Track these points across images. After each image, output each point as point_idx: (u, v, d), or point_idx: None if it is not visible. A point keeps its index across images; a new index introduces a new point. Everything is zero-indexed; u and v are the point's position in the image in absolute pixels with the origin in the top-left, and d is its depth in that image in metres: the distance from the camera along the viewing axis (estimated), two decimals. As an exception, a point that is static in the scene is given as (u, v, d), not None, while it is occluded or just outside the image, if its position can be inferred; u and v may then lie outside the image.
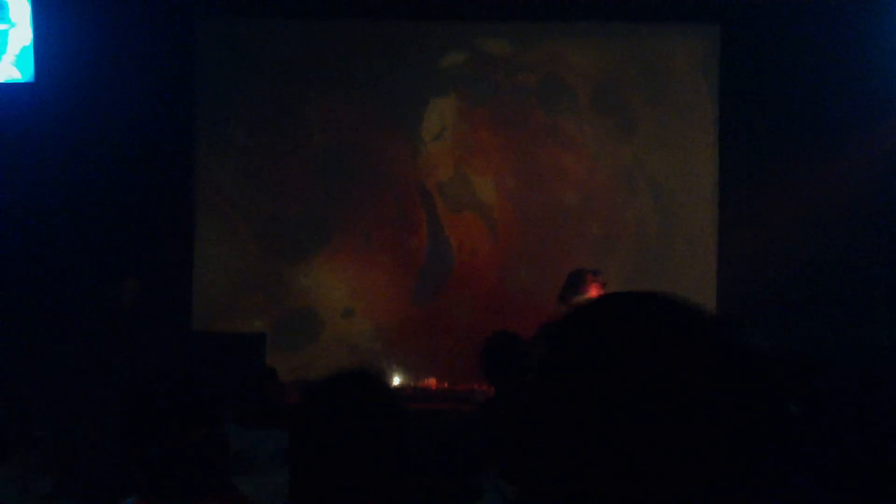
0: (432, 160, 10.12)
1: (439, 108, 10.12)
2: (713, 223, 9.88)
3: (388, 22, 10.10)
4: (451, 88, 10.12)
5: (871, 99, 9.48)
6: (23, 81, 9.46)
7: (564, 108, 10.09)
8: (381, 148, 10.09)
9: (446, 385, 8.43)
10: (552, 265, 9.73)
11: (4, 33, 9.41)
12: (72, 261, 9.66)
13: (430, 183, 10.11)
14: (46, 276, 9.59)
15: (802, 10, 9.59)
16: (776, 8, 9.64)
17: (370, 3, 10.02)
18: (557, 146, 10.05)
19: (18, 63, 9.45)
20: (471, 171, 10.09)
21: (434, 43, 10.15)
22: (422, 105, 10.12)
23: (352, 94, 10.11)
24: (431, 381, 8.50)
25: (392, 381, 8.70)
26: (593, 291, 8.46)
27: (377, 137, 10.09)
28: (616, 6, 9.98)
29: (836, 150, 9.46)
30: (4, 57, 9.40)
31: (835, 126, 9.53)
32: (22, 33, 9.45)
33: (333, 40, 10.13)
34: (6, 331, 9.03)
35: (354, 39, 10.11)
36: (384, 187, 10.10)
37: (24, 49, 9.45)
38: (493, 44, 10.13)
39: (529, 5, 10.01)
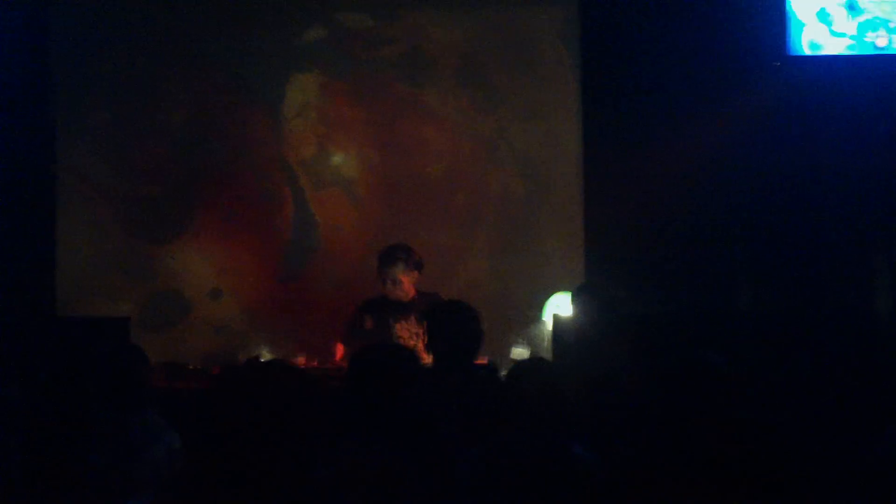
0: (295, 137, 10.04)
1: (300, 84, 10.05)
2: (579, 192, 9.92)
3: (248, -3, 10.02)
4: (313, 64, 10.05)
5: (734, 61, 9.56)
6: None
7: (427, 81, 10.07)
8: (242, 125, 10.01)
9: (315, 363, 8.36)
10: (418, 239, 9.70)
11: None
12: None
13: (293, 160, 10.03)
14: None
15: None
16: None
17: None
18: (421, 119, 10.03)
19: None
20: (334, 146, 10.04)
21: (294, 18, 10.06)
22: (283, 81, 10.04)
23: (211, 71, 10.01)
24: (300, 360, 8.41)
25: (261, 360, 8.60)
26: (399, 269, 8.36)
27: (238, 114, 10.01)
28: (475, -22, 9.99)
29: (701, 115, 9.53)
30: None
31: (698, 90, 9.60)
32: None
33: (191, 16, 10.02)
34: None
35: (212, 14, 10.01)
36: (248, 165, 10.02)
37: None
38: (354, 18, 10.08)
39: (389, -23, 9.99)
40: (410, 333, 8.24)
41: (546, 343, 7.96)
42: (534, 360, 6.11)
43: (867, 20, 9.39)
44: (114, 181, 10.00)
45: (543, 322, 8.30)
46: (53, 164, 9.97)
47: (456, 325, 6.19)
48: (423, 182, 10.00)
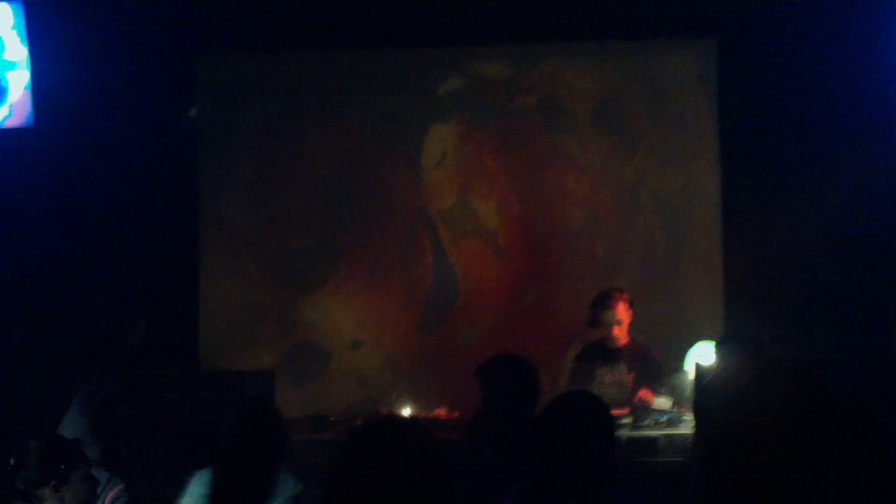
0: (434, 187, 10.11)
1: (439, 135, 10.11)
2: (719, 238, 9.85)
3: (385, 50, 10.11)
4: (451, 114, 10.12)
5: (873, 107, 9.42)
6: (22, 126, 9.45)
7: (565, 129, 10.07)
8: (382, 176, 10.10)
9: (457, 415, 8.36)
10: (559, 288, 9.74)
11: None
12: (79, 302, 9.66)
13: (433, 210, 10.10)
14: (54, 319, 9.59)
15: (797, 20, 9.55)
16: (770, 19, 9.60)
17: (367, 32, 10.02)
18: (560, 167, 10.04)
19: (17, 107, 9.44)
20: (473, 196, 10.08)
21: (432, 69, 10.16)
22: (422, 132, 10.12)
23: (352, 123, 10.11)
24: (442, 411, 8.45)
25: (403, 411, 8.63)
26: (621, 309, 8.47)
27: (379, 166, 10.10)
28: (611, 25, 9.95)
29: (840, 160, 9.39)
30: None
31: (839, 135, 9.48)
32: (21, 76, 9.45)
33: (331, 71, 10.16)
34: (14, 376, 9.03)
35: (352, 69, 10.13)
36: (387, 216, 10.11)
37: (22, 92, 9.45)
38: (491, 67, 10.13)
39: (526, 28, 9.99)
40: (613, 379, 8.30)
41: (688, 393, 7.89)
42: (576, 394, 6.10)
43: None
44: (257, 233, 10.15)
45: (685, 371, 8.22)
46: (197, 215, 10.12)
47: (507, 377, 6.23)
48: (563, 230, 10.00)
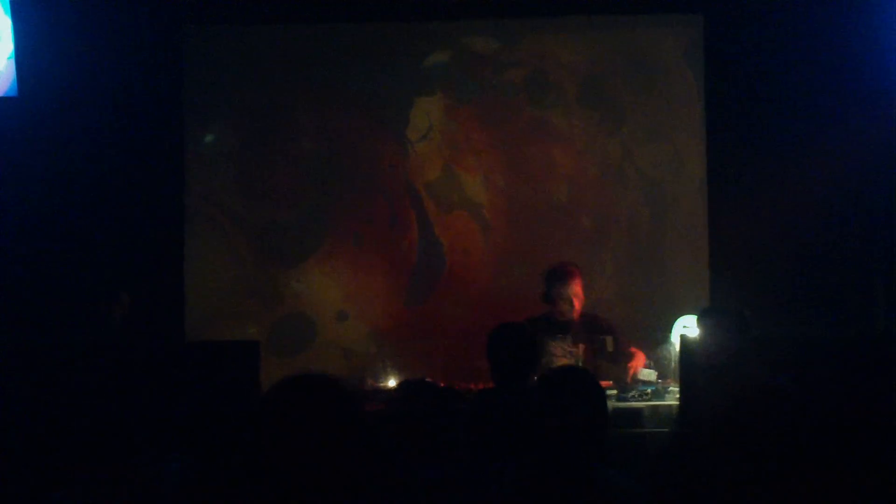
0: (420, 160, 10.10)
1: (425, 108, 10.09)
2: (703, 213, 9.86)
3: (373, 24, 10.08)
4: (437, 87, 10.10)
5: (858, 84, 9.45)
6: (5, 96, 9.42)
7: (552, 103, 10.06)
8: (369, 150, 10.08)
9: (443, 385, 8.35)
10: (544, 261, 9.66)
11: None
12: (63, 275, 9.62)
13: (418, 183, 10.09)
14: (37, 291, 9.56)
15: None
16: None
17: (353, 5, 9.99)
18: (546, 141, 10.03)
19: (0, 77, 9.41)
20: (460, 169, 10.08)
21: (419, 43, 10.13)
22: (408, 105, 10.09)
23: (338, 97, 10.09)
24: (428, 383, 8.41)
25: (387, 383, 8.61)
26: (577, 284, 8.39)
27: (365, 139, 10.08)
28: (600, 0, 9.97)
29: (825, 137, 9.42)
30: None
31: (823, 112, 9.50)
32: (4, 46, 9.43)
33: (318, 44, 10.12)
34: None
35: (339, 43, 10.09)
36: (374, 189, 10.09)
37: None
38: (479, 41, 10.11)
39: (513, 2, 9.98)
40: (564, 352, 8.23)
41: (673, 364, 7.90)
42: (567, 369, 6.09)
43: None
44: (243, 206, 10.14)
45: (671, 343, 8.22)
46: (182, 188, 10.09)
47: (511, 347, 6.24)
48: (548, 204, 10.01)
